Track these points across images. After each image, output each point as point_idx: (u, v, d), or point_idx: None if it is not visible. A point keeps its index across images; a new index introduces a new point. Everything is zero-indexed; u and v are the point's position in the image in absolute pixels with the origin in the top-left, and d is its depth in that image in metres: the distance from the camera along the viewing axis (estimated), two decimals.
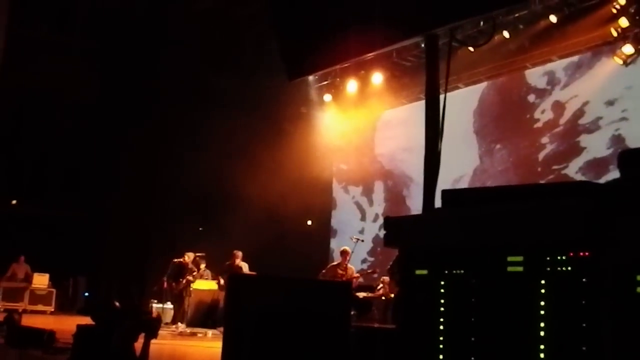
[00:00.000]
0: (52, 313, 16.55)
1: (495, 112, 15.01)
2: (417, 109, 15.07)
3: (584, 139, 13.21)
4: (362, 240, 14.26)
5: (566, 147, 13.50)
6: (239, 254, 13.50)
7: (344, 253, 12.92)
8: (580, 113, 13.36)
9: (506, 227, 3.10)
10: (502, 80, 14.95)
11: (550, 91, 13.97)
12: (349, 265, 12.81)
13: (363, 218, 17.30)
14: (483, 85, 15.12)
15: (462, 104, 14.42)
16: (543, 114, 14.03)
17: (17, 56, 18.37)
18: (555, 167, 13.48)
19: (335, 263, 13.26)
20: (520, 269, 3.06)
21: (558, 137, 13.69)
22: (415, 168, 14.91)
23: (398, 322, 3.96)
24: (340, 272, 12.51)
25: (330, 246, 17.46)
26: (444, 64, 4.56)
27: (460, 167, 14.38)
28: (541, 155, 13.87)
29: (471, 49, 13.32)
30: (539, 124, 14.09)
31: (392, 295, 11.71)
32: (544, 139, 13.90)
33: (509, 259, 3.09)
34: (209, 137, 16.67)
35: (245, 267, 13.22)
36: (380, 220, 16.53)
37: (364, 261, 15.38)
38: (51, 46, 20.19)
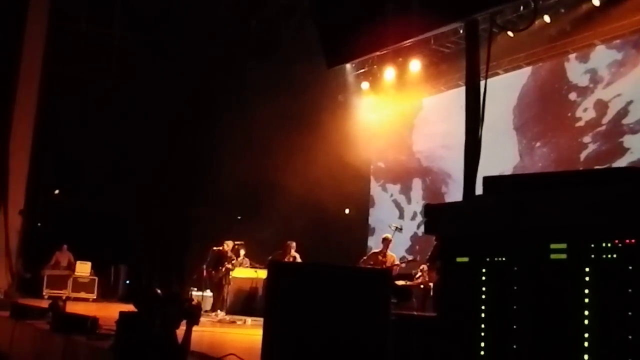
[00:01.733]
0: (94, 300, 16.81)
1: (535, 110, 14.74)
2: (456, 96, 14.96)
3: (628, 140, 12.84)
4: (401, 228, 14.21)
5: (609, 147, 13.14)
6: (293, 244, 13.52)
7: (385, 240, 12.89)
8: (624, 112, 12.97)
9: (549, 214, 3.06)
10: (542, 75, 14.65)
11: (593, 89, 13.62)
12: (389, 252, 12.77)
13: (401, 216, 17.16)
14: (523, 71, 14.86)
15: (501, 93, 14.16)
16: (585, 112, 13.70)
17: (58, 48, 18.66)
18: (597, 167, 13.16)
19: (376, 250, 13.24)
20: (563, 256, 3.02)
21: (600, 136, 13.35)
22: (454, 165, 14.79)
23: (438, 310, 3.94)
24: (381, 259, 12.49)
25: (367, 244, 17.34)
26: (483, 50, 4.50)
27: (500, 163, 14.08)
28: (583, 155, 13.55)
29: (511, 34, 13.14)
30: (580, 123, 13.77)
31: (431, 284, 11.65)
32: (586, 138, 13.58)
33: (552, 246, 3.04)
34: (249, 126, 16.74)
35: (298, 257, 13.27)
36: (419, 219, 16.44)
37: (402, 259, 15.31)
38: (92, 38, 20.44)
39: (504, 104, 14.62)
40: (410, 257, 14.04)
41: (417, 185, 17.32)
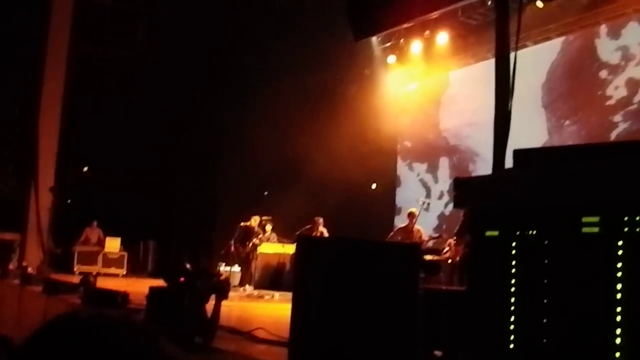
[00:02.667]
0: (124, 276, 16.99)
1: (564, 87, 14.49)
2: (484, 69, 14.77)
3: None
4: (429, 204, 14.17)
5: None
6: (320, 219, 13.55)
7: (410, 215, 12.85)
8: None
9: (581, 186, 3.01)
10: (572, 52, 14.35)
11: (624, 67, 13.34)
12: (417, 227, 12.74)
13: (428, 195, 16.97)
14: (552, 47, 14.59)
15: (530, 70, 13.81)
16: (616, 90, 13.42)
17: (84, 26, 18.75)
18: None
19: (402, 225, 13.21)
20: (596, 229, 2.97)
21: (632, 115, 13.07)
22: (481, 143, 14.64)
23: (467, 284, 3.92)
24: (407, 234, 12.47)
25: (394, 224, 17.26)
26: (513, 20, 4.43)
27: (528, 142, 13.73)
28: (613, 134, 13.30)
29: (540, 4, 12.92)
30: (611, 101, 13.50)
31: (458, 259, 11.61)
32: (617, 117, 13.32)
33: (584, 219, 3.00)
34: (274, 101, 16.72)
35: (325, 233, 13.29)
36: (446, 198, 16.32)
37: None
38: (117, 14, 20.50)
39: (532, 81, 14.38)
40: (436, 235, 13.93)
41: (444, 164, 17.16)
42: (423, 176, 17.71)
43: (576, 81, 14.25)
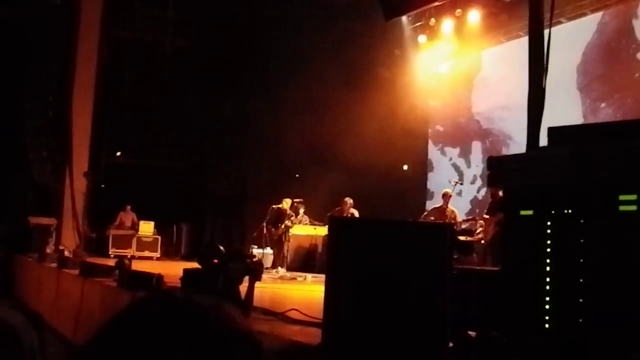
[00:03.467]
0: (158, 259, 17.20)
1: (600, 70, 14.17)
2: (516, 48, 14.56)
3: None
4: (462, 183, 14.08)
5: None
6: (350, 200, 13.53)
7: (445, 195, 12.79)
8: None
9: (618, 164, 2.96)
10: (608, 34, 13.99)
11: None
12: (451, 207, 12.68)
13: (460, 179, 16.69)
14: (587, 27, 14.29)
15: (565, 51, 13.47)
16: None
17: (115, 11, 18.89)
18: None
19: (436, 206, 13.15)
20: (633, 208, 2.93)
21: None
22: (514, 126, 14.45)
23: (502, 264, 3.89)
24: (441, 214, 12.43)
25: (426, 208, 17.12)
26: None
27: (563, 124, 13.52)
28: None
29: None
30: None
31: (489, 239, 11.55)
32: None
33: (621, 197, 2.96)
34: (305, 83, 16.70)
35: (356, 214, 13.29)
36: (479, 182, 16.16)
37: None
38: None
39: (567, 63, 14.07)
40: (470, 217, 13.78)
41: (476, 148, 16.94)
42: (455, 160, 17.53)
43: (612, 63, 13.94)
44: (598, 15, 14.26)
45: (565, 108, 13.74)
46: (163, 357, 0.79)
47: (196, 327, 0.82)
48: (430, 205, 16.52)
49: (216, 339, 0.82)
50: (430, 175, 18.12)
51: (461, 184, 14.00)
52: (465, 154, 17.23)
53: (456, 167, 17.41)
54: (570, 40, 13.95)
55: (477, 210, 15.08)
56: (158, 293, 0.89)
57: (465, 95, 17.35)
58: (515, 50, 14.09)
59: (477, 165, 16.61)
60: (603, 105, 14.02)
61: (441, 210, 12.61)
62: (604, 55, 14.13)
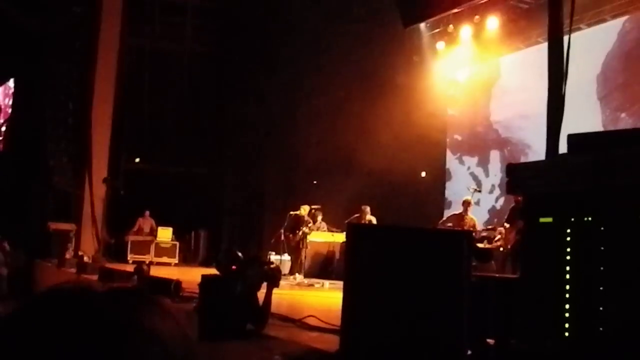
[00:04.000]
0: (176, 265, 17.22)
1: (621, 79, 14.01)
2: (535, 54, 14.47)
3: None
4: (480, 191, 14.01)
5: None
6: (367, 208, 13.52)
7: (465, 203, 12.73)
8: None
9: (638, 171, 2.94)
10: (629, 43, 13.82)
11: None
12: (469, 215, 12.63)
13: (479, 189, 16.50)
14: (607, 33, 14.18)
15: (585, 61, 13.29)
16: None
17: (135, 19, 19.06)
18: None
19: (455, 212, 13.10)
20: None
21: None
22: (533, 135, 14.32)
23: (521, 271, 3.87)
24: (459, 221, 12.38)
25: (444, 217, 16.99)
26: (566, 3, 4.33)
27: None
28: None
29: None
30: None
31: (509, 246, 11.48)
32: None
33: None
34: (323, 89, 16.71)
35: (374, 221, 13.27)
36: (497, 192, 16.03)
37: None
38: (166, 8, 20.78)
39: (586, 73, 13.91)
40: (489, 227, 13.63)
41: (495, 157, 16.79)
42: (474, 169, 17.37)
43: (633, 72, 13.79)
44: (618, 24, 14.13)
45: (585, 118, 13.59)
46: (47, 353, 0.78)
47: (85, 322, 0.81)
48: (448, 214, 16.44)
49: (106, 335, 0.81)
50: (448, 184, 17.97)
51: (479, 191, 13.94)
52: (484, 163, 17.10)
53: (474, 177, 17.26)
54: (590, 49, 13.81)
55: (495, 220, 14.93)
56: (57, 286, 0.89)
57: (484, 104, 17.25)
58: (534, 58, 14.00)
59: (495, 174, 16.46)
60: (623, 115, 13.87)
61: (460, 218, 12.55)
62: (624, 65, 14.01)
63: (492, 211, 15.56)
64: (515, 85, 16.01)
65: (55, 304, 0.83)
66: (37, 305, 0.84)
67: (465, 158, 17.79)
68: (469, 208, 12.61)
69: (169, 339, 0.83)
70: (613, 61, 14.16)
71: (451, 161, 18.15)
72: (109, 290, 0.88)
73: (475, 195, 13.27)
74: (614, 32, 14.17)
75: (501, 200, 15.47)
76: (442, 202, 17.62)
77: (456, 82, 17.44)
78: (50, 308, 0.83)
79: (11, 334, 0.80)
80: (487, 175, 16.76)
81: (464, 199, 12.93)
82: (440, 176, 18.02)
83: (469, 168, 17.46)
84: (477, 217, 13.53)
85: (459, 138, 18.19)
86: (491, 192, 16.31)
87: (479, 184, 16.29)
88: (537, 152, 13.86)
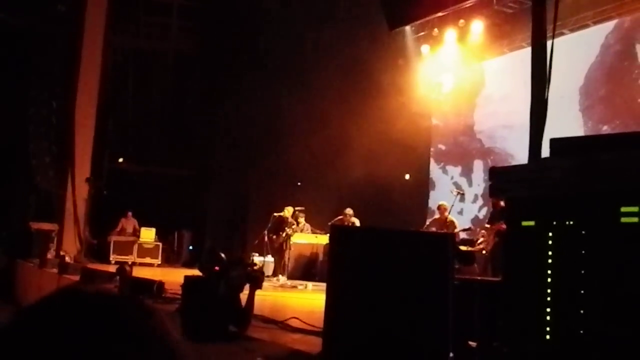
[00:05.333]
0: (159, 266, 17.16)
1: (603, 92, 14.12)
2: (519, 59, 14.56)
3: None
4: (463, 194, 14.04)
5: None
6: (350, 210, 13.54)
7: (440, 208, 12.79)
8: None
9: (620, 175, 2.97)
10: (611, 57, 13.95)
11: None
12: (450, 217, 12.67)
13: (462, 199, 16.22)
14: (590, 46, 14.28)
15: (568, 73, 13.22)
16: None
17: (119, 19, 18.97)
18: None
19: (435, 217, 13.14)
20: (635, 219, 2.93)
21: None
22: (516, 145, 14.38)
23: (503, 275, 3.89)
24: (441, 226, 12.41)
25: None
26: (549, 8, 4.36)
27: None
28: None
29: None
30: None
31: (489, 249, 11.54)
32: None
33: (623, 209, 2.96)
34: (308, 91, 16.71)
35: (357, 223, 13.29)
36: (480, 202, 16.05)
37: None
38: (151, 7, 20.71)
39: (569, 85, 14.00)
40: (467, 227, 13.63)
41: (478, 166, 16.81)
42: (457, 179, 17.35)
43: (615, 86, 13.90)
44: (601, 36, 14.23)
45: (568, 129, 13.61)
46: (61, 352, 0.79)
47: (98, 323, 0.82)
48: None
49: (118, 338, 0.82)
50: (432, 193, 17.93)
51: (462, 194, 13.97)
52: (467, 172, 17.11)
53: (457, 186, 17.17)
54: (573, 58, 13.88)
55: (478, 230, 14.96)
56: (66, 288, 0.90)
57: (468, 114, 17.30)
58: (519, 68, 14.06)
59: (478, 184, 16.46)
60: (605, 128, 13.92)
61: (440, 222, 12.60)
62: (606, 78, 14.11)
63: (475, 220, 15.54)
64: (499, 95, 16.09)
65: (55, 306, 0.84)
66: (46, 308, 0.85)
67: (449, 167, 17.83)
68: (445, 212, 12.68)
69: (155, 341, 0.83)
70: (595, 73, 14.26)
71: (435, 170, 18.19)
72: (96, 293, 0.88)
73: (457, 204, 13.25)
74: (597, 44, 14.27)
75: (484, 210, 15.51)
76: (425, 211, 17.60)
77: (440, 85, 17.49)
78: (50, 310, 0.83)
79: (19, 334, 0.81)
80: (470, 184, 16.76)
81: (439, 204, 13.02)
82: (424, 182, 18.05)
83: (452, 177, 17.48)
84: (461, 225, 13.52)
85: (443, 147, 18.24)
86: (474, 201, 16.34)
87: (462, 197, 16.22)
88: (520, 161, 13.85)
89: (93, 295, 0.87)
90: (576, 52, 14.05)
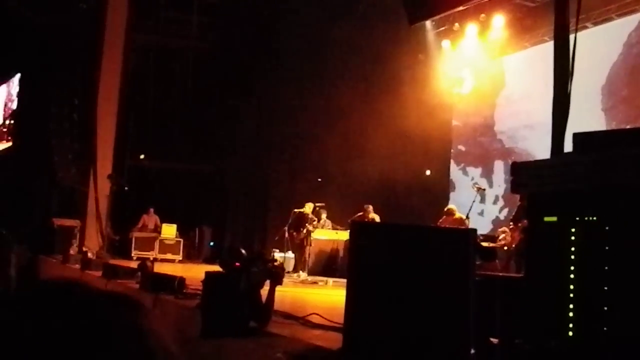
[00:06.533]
0: (180, 262, 17.24)
1: (625, 92, 13.92)
2: (540, 53, 14.42)
3: None
4: (484, 189, 13.95)
5: None
6: (370, 207, 13.53)
7: (448, 212, 12.85)
8: None
9: None
10: (633, 56, 13.73)
11: None
12: (460, 215, 12.68)
13: (482, 200, 15.81)
14: (611, 25, 14.09)
15: (590, 72, 12.96)
16: None
17: (140, 16, 19.06)
18: None
19: (444, 217, 13.12)
20: None
21: None
22: (537, 145, 14.20)
23: (525, 271, 3.86)
24: (453, 225, 12.42)
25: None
26: (572, 1, 4.31)
27: None
28: None
29: None
30: None
31: (514, 245, 11.46)
32: None
33: None
34: (328, 88, 16.69)
35: (377, 219, 13.27)
36: (500, 203, 15.91)
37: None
38: (173, 3, 20.79)
39: (592, 82, 13.80)
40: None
41: (499, 167, 16.63)
42: (477, 180, 17.10)
43: (638, 87, 13.69)
44: (624, 33, 14.03)
45: (590, 128, 13.40)
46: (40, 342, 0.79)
47: (66, 320, 0.81)
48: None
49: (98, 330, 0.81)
50: (452, 195, 17.77)
51: (483, 189, 13.87)
52: (488, 173, 16.92)
53: (477, 190, 17.04)
54: (596, 55, 13.66)
55: (499, 231, 14.82)
56: (55, 281, 0.89)
57: (488, 115, 17.16)
58: (541, 63, 13.88)
59: (499, 185, 16.25)
60: (629, 127, 13.73)
61: (449, 221, 12.62)
62: (629, 78, 13.90)
63: (496, 222, 15.40)
64: (520, 95, 15.94)
65: (47, 296, 0.83)
66: (28, 299, 0.84)
67: (469, 169, 17.69)
68: (454, 214, 12.72)
69: (150, 339, 0.83)
70: (618, 73, 14.06)
71: (455, 172, 18.05)
72: (98, 290, 0.88)
73: (478, 205, 13.16)
74: (619, 43, 14.06)
75: (505, 211, 15.37)
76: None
77: (461, 81, 17.36)
78: (41, 300, 0.83)
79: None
80: (491, 186, 16.50)
81: (446, 208, 13.07)
82: (445, 181, 17.90)
83: (472, 178, 17.21)
84: (481, 228, 13.40)
85: (463, 149, 18.11)
86: (495, 202, 16.17)
87: (482, 195, 16.01)
88: None
89: (68, 290, 0.86)
90: (598, 52, 13.81)
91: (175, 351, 0.86)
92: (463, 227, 12.24)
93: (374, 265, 4.02)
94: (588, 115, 13.57)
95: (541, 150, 13.14)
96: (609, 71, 14.16)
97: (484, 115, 17.20)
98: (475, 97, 16.99)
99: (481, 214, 14.33)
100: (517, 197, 11.37)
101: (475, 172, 17.40)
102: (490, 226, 15.44)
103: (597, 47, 13.72)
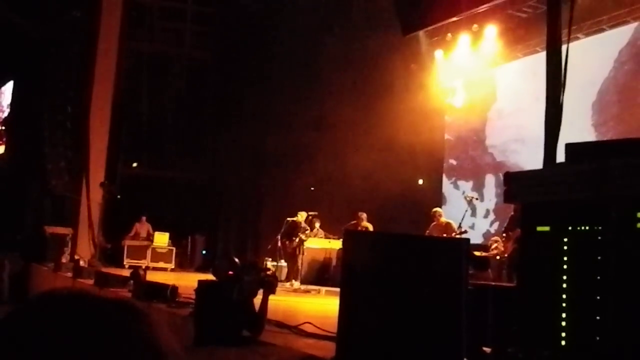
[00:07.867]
0: (172, 270, 17.19)
1: (615, 110, 13.98)
2: (532, 63, 14.50)
3: None
4: (477, 199, 13.96)
5: None
6: (364, 215, 13.54)
7: (435, 214, 12.90)
8: None
9: (636, 181, 2.95)
10: (624, 75, 13.81)
11: None
12: (444, 219, 12.75)
13: (473, 214, 15.86)
14: (605, 36, 14.17)
15: (581, 88, 13.01)
16: None
17: (134, 24, 19.09)
18: None
19: (433, 223, 13.13)
20: None
21: None
22: (529, 159, 14.23)
23: (518, 280, 3.87)
24: (441, 231, 12.45)
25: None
26: (564, 12, 4.34)
27: None
28: None
29: None
30: None
31: (506, 255, 11.48)
32: None
33: (639, 214, 2.93)
34: (320, 96, 16.72)
35: (370, 228, 13.27)
36: (492, 216, 15.94)
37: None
38: (166, 13, 20.82)
39: (582, 101, 13.84)
40: (463, 229, 13.36)
41: (490, 181, 16.65)
42: (468, 194, 17.19)
43: (627, 105, 13.73)
44: (614, 52, 14.09)
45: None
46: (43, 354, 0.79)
47: (72, 328, 0.81)
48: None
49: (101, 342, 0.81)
50: (443, 208, 17.67)
51: (477, 199, 13.88)
52: (479, 187, 16.92)
53: (469, 201, 17.06)
54: (587, 76, 13.69)
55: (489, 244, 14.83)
56: (46, 292, 0.89)
57: (479, 128, 17.20)
58: (532, 74, 13.93)
59: (490, 199, 16.25)
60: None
61: (439, 227, 12.65)
62: (618, 96, 13.96)
63: (487, 235, 15.38)
64: (511, 109, 16.01)
65: (49, 308, 0.83)
66: (31, 309, 0.84)
67: (460, 182, 17.74)
68: (441, 217, 12.77)
69: (162, 345, 0.83)
70: (609, 89, 14.12)
71: (446, 186, 18.10)
72: (102, 298, 0.88)
73: (469, 218, 13.15)
74: (611, 59, 14.12)
75: (496, 225, 15.39)
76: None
77: (453, 91, 17.42)
78: (43, 312, 0.83)
79: (3, 337, 0.80)
80: (482, 200, 16.44)
81: (433, 210, 13.11)
82: (437, 192, 17.90)
83: (463, 192, 17.15)
84: (472, 241, 13.34)
85: (454, 162, 18.16)
86: (486, 216, 16.20)
87: (473, 208, 15.97)
88: None
89: (71, 298, 0.87)
90: (589, 65, 13.81)
91: (184, 356, 0.86)
92: (452, 232, 12.32)
93: (367, 274, 4.02)
94: (578, 131, 13.60)
95: (532, 164, 13.05)
96: (600, 87, 14.22)
97: (475, 129, 17.24)
98: (467, 111, 17.03)
99: (472, 227, 14.31)
100: (508, 211, 11.43)
101: (466, 185, 17.43)
102: (481, 239, 15.36)
103: (588, 61, 13.75)
